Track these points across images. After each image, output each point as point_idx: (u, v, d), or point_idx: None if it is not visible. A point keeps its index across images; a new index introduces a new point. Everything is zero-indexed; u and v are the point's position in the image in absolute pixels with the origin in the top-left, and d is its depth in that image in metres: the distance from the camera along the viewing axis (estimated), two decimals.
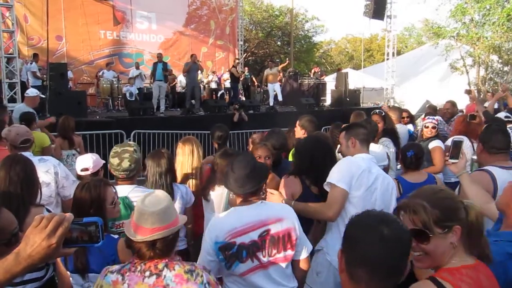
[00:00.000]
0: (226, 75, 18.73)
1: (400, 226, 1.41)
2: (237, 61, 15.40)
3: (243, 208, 2.42)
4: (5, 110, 5.99)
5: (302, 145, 3.46)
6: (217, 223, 2.42)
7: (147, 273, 1.85)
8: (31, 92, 7.03)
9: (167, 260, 1.89)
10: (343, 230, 1.48)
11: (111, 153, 3.07)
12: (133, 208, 2.76)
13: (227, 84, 18.07)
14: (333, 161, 3.19)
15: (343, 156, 3.21)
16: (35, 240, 1.20)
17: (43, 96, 11.11)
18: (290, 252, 2.45)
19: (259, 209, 2.42)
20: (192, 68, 13.03)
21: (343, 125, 4.06)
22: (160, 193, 2.01)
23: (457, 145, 2.65)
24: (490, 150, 3.08)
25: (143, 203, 1.91)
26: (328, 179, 2.93)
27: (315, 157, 3.22)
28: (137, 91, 14.67)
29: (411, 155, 3.90)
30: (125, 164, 3.00)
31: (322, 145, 3.36)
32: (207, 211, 3.51)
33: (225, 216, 2.46)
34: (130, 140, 9.21)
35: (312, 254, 2.84)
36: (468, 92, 7.80)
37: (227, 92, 18.00)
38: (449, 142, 3.99)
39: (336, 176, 2.92)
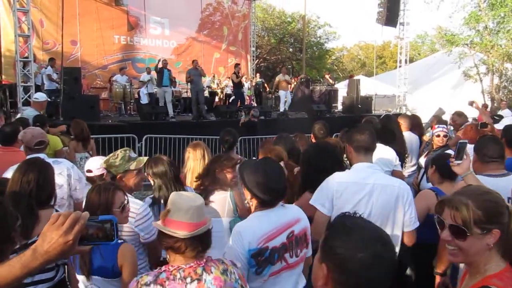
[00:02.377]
0: (226, 82, 18.96)
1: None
2: (238, 67, 15.48)
3: (269, 212, 2.38)
4: None
5: (305, 155, 3.38)
6: (248, 229, 2.30)
7: (188, 279, 1.82)
8: (40, 96, 7.11)
9: (203, 264, 1.89)
10: None
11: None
12: None
13: (228, 90, 18.28)
14: (342, 169, 3.08)
15: (349, 161, 3.11)
16: (52, 237, 1.23)
17: (58, 100, 11.30)
18: (305, 251, 2.48)
19: (283, 211, 2.42)
20: (194, 74, 13.06)
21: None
22: (188, 192, 2.06)
23: (461, 147, 2.69)
24: (482, 158, 3.07)
25: (183, 200, 1.92)
26: (311, 200, 2.86)
27: (321, 168, 3.10)
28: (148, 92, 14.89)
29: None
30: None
31: (327, 154, 3.29)
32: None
33: (254, 222, 2.36)
34: (141, 144, 9.27)
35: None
36: (471, 103, 7.71)
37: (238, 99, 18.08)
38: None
39: (314, 196, 2.85)
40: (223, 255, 2.30)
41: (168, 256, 1.95)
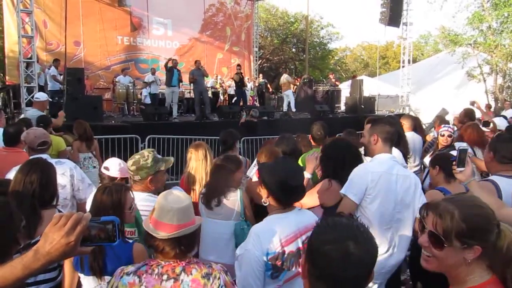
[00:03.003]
0: (229, 83, 18.99)
1: (368, 241, 1.32)
2: (240, 67, 15.60)
3: (288, 215, 2.36)
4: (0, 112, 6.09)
5: (331, 149, 3.39)
6: (267, 232, 2.27)
7: (165, 277, 1.84)
8: (41, 96, 7.14)
9: (184, 264, 1.88)
10: None
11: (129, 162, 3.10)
12: (139, 218, 2.80)
13: (231, 91, 18.30)
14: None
15: (365, 150, 3.15)
16: (54, 238, 1.22)
17: (62, 101, 11.34)
18: None
19: (300, 215, 2.40)
20: (197, 74, 13.06)
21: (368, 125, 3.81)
22: (179, 192, 2.04)
23: (463, 153, 2.65)
24: (501, 160, 3.03)
25: (166, 201, 1.92)
26: (342, 189, 2.91)
27: (346, 161, 3.15)
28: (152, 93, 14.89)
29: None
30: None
31: (353, 149, 3.33)
32: (210, 219, 3.36)
33: (272, 224, 2.33)
34: (144, 145, 9.28)
35: None
36: (472, 103, 7.68)
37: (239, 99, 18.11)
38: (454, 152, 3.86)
39: (347, 186, 2.90)
40: (237, 258, 2.30)
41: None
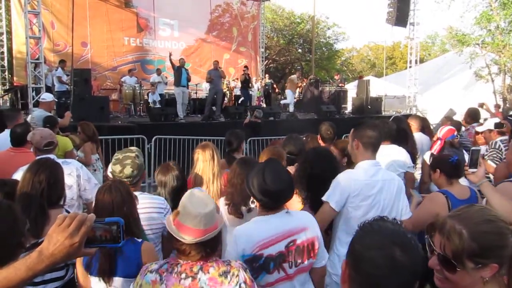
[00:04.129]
0: (234, 83, 19.04)
1: (415, 248, 1.24)
2: (246, 68, 15.64)
3: (270, 218, 2.32)
4: (19, 112, 6.08)
5: (306, 158, 3.31)
6: (243, 235, 2.28)
7: (183, 275, 1.89)
8: (47, 97, 7.15)
9: (202, 262, 1.92)
10: (341, 250, 1.38)
11: (113, 160, 3.00)
12: None
13: (237, 91, 18.34)
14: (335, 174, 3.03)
15: (351, 156, 3.10)
16: (58, 239, 1.22)
17: (68, 102, 11.39)
18: (311, 261, 2.42)
19: (285, 219, 2.35)
20: (214, 75, 13.13)
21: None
22: (201, 194, 2.04)
23: (475, 154, 2.61)
24: None
25: (193, 206, 1.93)
26: (324, 196, 2.87)
27: (315, 173, 3.10)
28: (159, 98, 14.87)
29: (456, 161, 3.37)
30: (128, 170, 2.93)
31: (326, 162, 3.24)
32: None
33: (251, 227, 2.32)
34: (151, 145, 9.29)
35: None
36: (481, 105, 7.60)
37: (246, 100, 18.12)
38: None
39: (329, 193, 2.86)
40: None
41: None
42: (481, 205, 1.68)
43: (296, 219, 2.41)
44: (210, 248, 1.94)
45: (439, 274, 1.47)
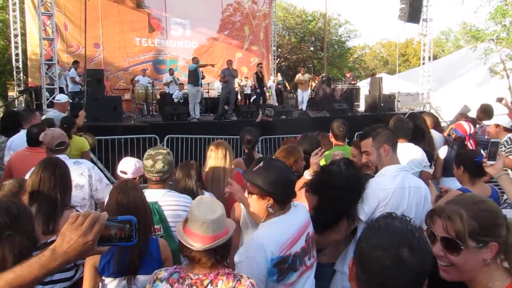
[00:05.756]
0: (245, 82, 19.06)
1: (423, 248, 1.25)
2: (260, 66, 15.65)
3: (285, 217, 2.27)
4: (33, 112, 6.14)
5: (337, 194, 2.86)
6: (270, 240, 2.15)
7: None
8: (62, 98, 7.23)
9: (212, 276, 1.89)
10: None
11: (145, 156, 3.04)
12: (162, 214, 2.80)
13: (247, 90, 18.42)
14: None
15: (374, 167, 2.83)
16: (71, 237, 1.23)
17: (82, 102, 11.50)
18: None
19: (297, 213, 2.34)
20: (227, 74, 13.21)
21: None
22: (209, 200, 2.04)
23: (494, 146, 2.56)
24: None
25: (200, 212, 1.92)
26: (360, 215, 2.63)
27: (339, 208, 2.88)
28: (181, 94, 14.92)
29: (480, 160, 3.17)
30: (159, 165, 2.95)
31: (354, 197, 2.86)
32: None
33: (274, 230, 2.21)
34: (163, 145, 9.34)
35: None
36: (500, 100, 7.45)
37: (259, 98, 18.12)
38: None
39: (363, 209, 2.61)
40: (236, 265, 2.19)
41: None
42: (472, 193, 1.74)
43: (303, 211, 2.42)
44: (221, 255, 1.93)
45: (443, 261, 1.48)
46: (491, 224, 1.43)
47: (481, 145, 5.12)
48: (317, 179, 2.92)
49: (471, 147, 4.69)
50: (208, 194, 3.49)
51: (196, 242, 1.88)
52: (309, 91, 18.23)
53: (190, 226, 1.92)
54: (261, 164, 2.31)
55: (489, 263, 1.43)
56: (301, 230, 2.29)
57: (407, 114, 5.43)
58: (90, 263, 2.40)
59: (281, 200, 2.26)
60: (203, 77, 13.59)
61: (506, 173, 2.52)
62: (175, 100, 14.60)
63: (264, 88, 16.99)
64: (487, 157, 2.57)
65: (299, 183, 3.04)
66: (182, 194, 3.12)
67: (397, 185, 2.68)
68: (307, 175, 3.19)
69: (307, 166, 3.68)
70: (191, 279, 1.89)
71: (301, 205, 2.51)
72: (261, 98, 16.18)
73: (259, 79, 15.63)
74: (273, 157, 2.83)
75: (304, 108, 15.95)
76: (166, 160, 3.00)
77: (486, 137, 5.90)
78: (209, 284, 1.88)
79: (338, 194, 2.62)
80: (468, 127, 4.89)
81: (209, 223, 1.88)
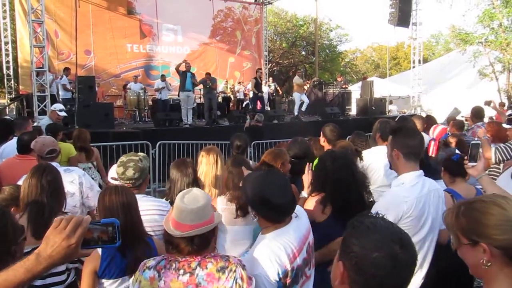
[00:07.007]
0: (238, 87, 19.16)
1: (411, 243, 1.27)
2: (260, 71, 15.59)
3: (287, 228, 2.19)
4: (27, 120, 6.12)
5: (322, 163, 3.11)
6: (278, 255, 2.07)
7: (181, 271, 1.91)
8: (59, 107, 7.20)
9: (200, 258, 1.94)
10: None
11: (118, 162, 3.07)
12: None
13: (240, 95, 18.52)
14: (356, 178, 2.97)
15: (394, 166, 2.80)
16: (55, 241, 1.25)
17: (73, 109, 11.45)
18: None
19: (298, 224, 2.27)
20: (203, 82, 13.39)
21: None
22: (198, 192, 2.07)
23: (475, 148, 2.60)
24: None
25: (182, 201, 1.98)
26: None
27: (334, 176, 2.94)
28: (163, 85, 14.93)
29: (458, 158, 3.30)
30: (129, 173, 2.97)
31: (344, 165, 3.03)
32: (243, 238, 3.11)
33: (278, 243, 2.12)
34: (155, 151, 9.33)
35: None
36: (488, 103, 7.55)
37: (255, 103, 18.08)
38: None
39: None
40: None
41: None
42: (484, 195, 1.75)
43: (304, 220, 2.36)
44: (197, 244, 1.94)
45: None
46: (476, 223, 1.43)
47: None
48: (316, 179, 3.07)
49: (431, 151, 4.66)
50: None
51: (177, 229, 1.93)
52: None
53: (174, 214, 1.98)
54: (259, 174, 2.29)
55: (490, 265, 1.40)
56: (303, 241, 2.24)
57: (398, 117, 5.45)
58: (90, 267, 2.44)
59: (266, 218, 2.19)
60: (197, 84, 13.52)
61: (486, 174, 2.56)
62: (153, 88, 14.81)
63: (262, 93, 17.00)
64: (468, 159, 2.61)
65: (300, 203, 3.03)
66: (158, 199, 3.17)
67: (418, 193, 2.60)
68: (304, 193, 3.22)
69: (296, 171, 3.72)
70: (178, 262, 1.93)
71: (302, 213, 2.44)
72: (261, 103, 16.05)
73: (258, 84, 15.61)
74: (264, 169, 2.82)
75: (303, 110, 15.91)
76: (137, 167, 3.00)
77: (476, 138, 5.98)
78: (198, 266, 1.92)
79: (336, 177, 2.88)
80: (432, 131, 4.91)
81: (187, 212, 1.93)
